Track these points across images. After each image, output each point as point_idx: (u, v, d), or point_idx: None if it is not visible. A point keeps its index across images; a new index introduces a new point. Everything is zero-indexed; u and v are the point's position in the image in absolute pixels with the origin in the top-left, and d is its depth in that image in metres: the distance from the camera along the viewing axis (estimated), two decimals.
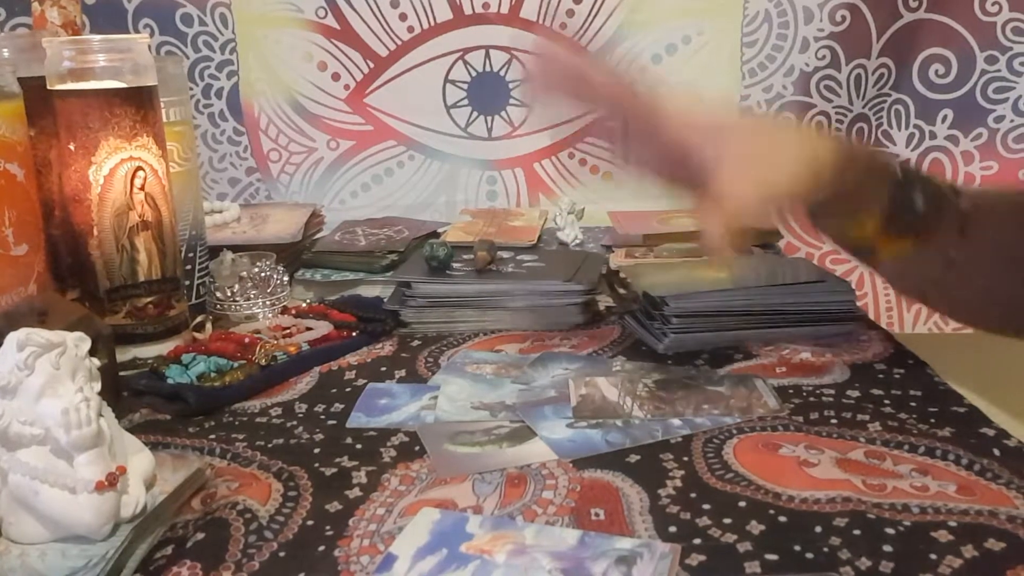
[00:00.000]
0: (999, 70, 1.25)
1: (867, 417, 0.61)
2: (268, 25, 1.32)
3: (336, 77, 1.33)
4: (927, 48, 1.27)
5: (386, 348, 0.79)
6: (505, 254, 0.93)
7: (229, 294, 0.85)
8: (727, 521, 0.49)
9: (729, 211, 0.60)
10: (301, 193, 1.37)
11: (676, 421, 0.61)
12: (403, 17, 1.31)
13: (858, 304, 0.80)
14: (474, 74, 1.33)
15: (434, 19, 1.31)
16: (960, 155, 1.29)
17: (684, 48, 1.29)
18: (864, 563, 0.44)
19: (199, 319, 0.82)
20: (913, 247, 0.66)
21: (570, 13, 1.29)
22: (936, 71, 1.27)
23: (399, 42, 1.32)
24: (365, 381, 0.71)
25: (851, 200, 0.65)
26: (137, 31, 1.29)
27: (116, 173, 0.71)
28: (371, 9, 1.31)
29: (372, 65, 1.33)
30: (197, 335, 0.80)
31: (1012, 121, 1.27)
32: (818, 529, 0.48)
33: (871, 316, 0.81)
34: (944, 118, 1.29)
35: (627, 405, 0.64)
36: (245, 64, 1.34)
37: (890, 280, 0.75)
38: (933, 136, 1.29)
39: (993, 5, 1.24)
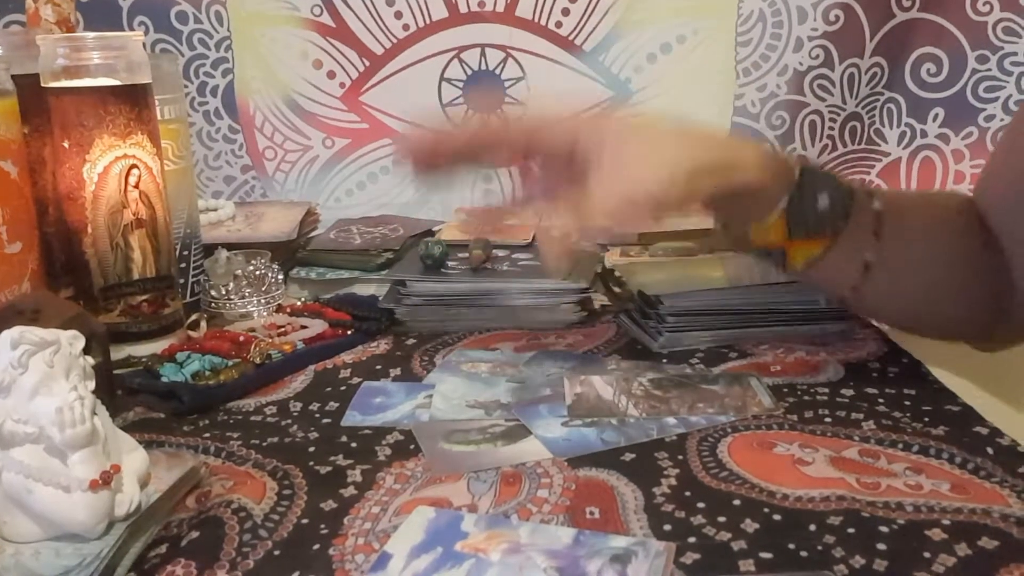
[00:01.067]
0: (990, 69, 1.26)
1: (861, 416, 0.62)
2: (263, 23, 1.32)
3: (332, 75, 1.33)
4: (919, 47, 1.27)
5: (381, 346, 0.79)
6: (500, 252, 0.93)
7: (224, 292, 0.84)
8: (722, 519, 0.49)
9: (588, 208, 0.58)
10: (296, 191, 1.37)
11: (671, 420, 0.61)
12: (399, 15, 1.31)
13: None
14: (469, 72, 1.33)
15: (429, 17, 1.31)
16: (951, 153, 1.30)
17: (679, 47, 1.29)
18: (858, 561, 0.45)
19: (193, 317, 0.82)
20: (823, 250, 0.64)
21: (565, 12, 1.29)
22: (928, 70, 1.28)
23: (394, 40, 1.32)
24: (360, 379, 0.71)
25: (751, 202, 0.63)
26: (132, 29, 1.29)
27: (110, 171, 0.71)
28: (366, 7, 1.31)
29: (368, 63, 1.33)
30: (192, 333, 0.79)
31: (1002, 120, 1.27)
32: (812, 527, 0.48)
33: (870, 322, 0.81)
34: (935, 117, 1.29)
35: (622, 404, 0.64)
36: (240, 62, 1.33)
37: (811, 284, 0.73)
38: (924, 135, 1.30)
39: (984, 5, 1.24)
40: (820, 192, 0.63)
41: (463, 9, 1.30)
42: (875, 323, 0.78)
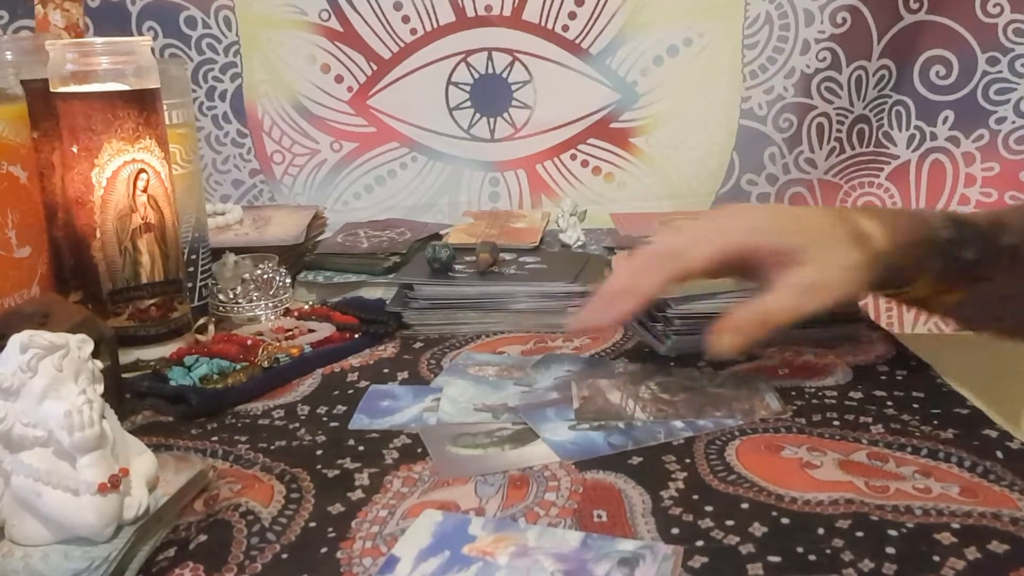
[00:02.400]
0: (1000, 71, 1.25)
1: (870, 419, 0.61)
2: (271, 27, 1.32)
3: (339, 79, 1.34)
4: (928, 49, 1.27)
5: (388, 350, 0.79)
6: (507, 256, 0.93)
7: (232, 296, 0.85)
8: (729, 523, 0.49)
9: (814, 293, 0.59)
10: (304, 195, 1.38)
11: (678, 423, 0.61)
12: (406, 19, 1.31)
13: (860, 306, 0.80)
14: (476, 76, 1.33)
15: (436, 21, 1.31)
16: (961, 156, 1.29)
17: (685, 50, 1.29)
18: (867, 565, 0.44)
19: (201, 321, 0.82)
20: (965, 295, 0.65)
21: (572, 15, 1.29)
22: (937, 72, 1.27)
23: (402, 44, 1.32)
24: (367, 383, 0.71)
25: (904, 272, 0.63)
26: (141, 34, 1.29)
27: (119, 175, 0.71)
28: (374, 11, 1.31)
29: (375, 67, 1.33)
30: (200, 337, 0.80)
31: (1014, 122, 1.26)
32: (821, 531, 0.48)
33: (870, 316, 0.81)
34: (945, 119, 1.29)
35: (629, 407, 0.64)
36: (249, 66, 1.34)
37: (945, 319, 0.73)
38: (934, 137, 1.29)
39: (995, 7, 1.24)
40: (966, 248, 0.63)
41: (470, 13, 1.30)
42: (883, 327, 0.77)
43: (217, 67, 1.34)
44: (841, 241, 0.60)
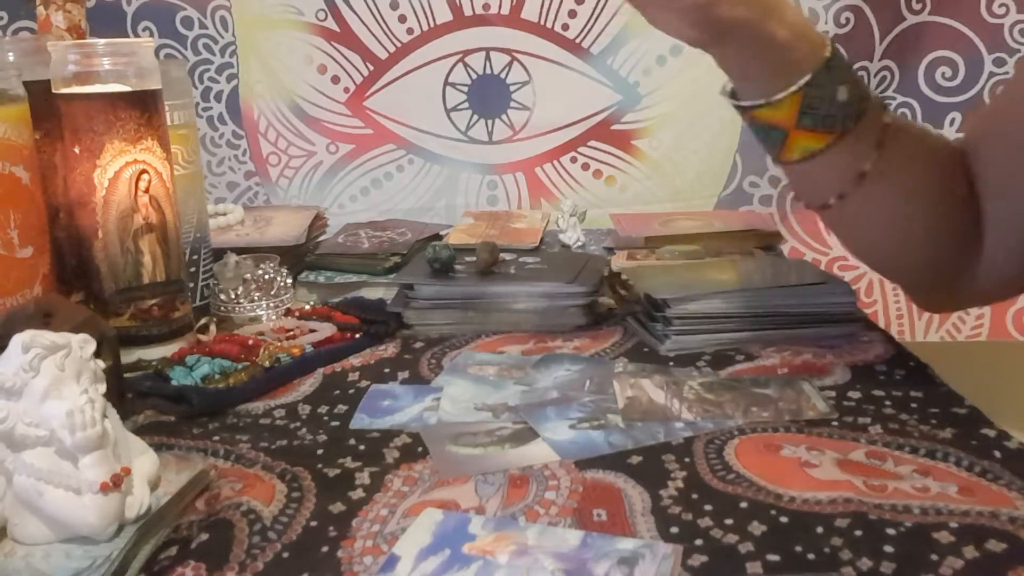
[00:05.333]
0: (1007, 72, 1.25)
1: (868, 419, 0.61)
2: (268, 28, 1.32)
3: (336, 80, 1.33)
4: (933, 50, 1.26)
5: (389, 350, 0.79)
6: (507, 256, 0.93)
7: (233, 296, 0.85)
8: (729, 522, 0.49)
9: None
10: (300, 197, 1.37)
11: (679, 424, 0.61)
12: (402, 19, 1.31)
13: (858, 306, 0.80)
14: (474, 77, 1.32)
15: (434, 21, 1.31)
16: None
17: (689, 49, 1.28)
18: (865, 564, 0.45)
19: (203, 321, 0.82)
20: (825, 146, 0.61)
21: (572, 14, 1.29)
22: (943, 73, 1.27)
23: (399, 44, 1.32)
24: (368, 383, 0.71)
25: (773, 62, 0.60)
26: (137, 34, 1.29)
27: (121, 176, 0.71)
28: (371, 11, 1.30)
29: (372, 68, 1.32)
30: (201, 337, 0.80)
31: None
32: (819, 530, 0.48)
33: (881, 325, 0.81)
34: (952, 121, 1.28)
35: (675, 407, 0.64)
36: (245, 67, 1.33)
37: (794, 185, 0.69)
38: None
39: (1000, 7, 1.24)
40: (842, 84, 0.60)
41: (468, 12, 1.30)
42: (845, 253, 0.73)
43: (213, 68, 1.33)
44: None
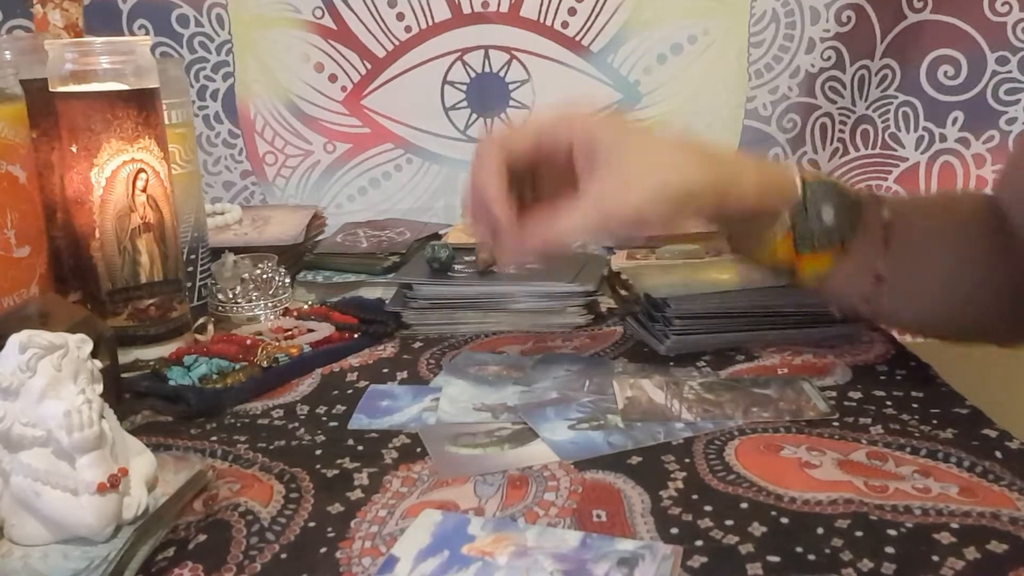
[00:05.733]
0: (1011, 71, 1.24)
1: (869, 419, 0.61)
2: (265, 26, 1.31)
3: (333, 78, 1.33)
4: (935, 49, 1.26)
5: (388, 350, 0.79)
6: None
7: (231, 296, 0.85)
8: (729, 523, 0.49)
9: (570, 218, 0.57)
10: (297, 197, 1.36)
11: (679, 424, 0.61)
12: (400, 17, 1.30)
13: None
14: (473, 75, 1.32)
15: (432, 19, 1.30)
16: (972, 158, 1.28)
17: (690, 48, 1.28)
18: (866, 565, 0.44)
19: (201, 321, 0.82)
20: (832, 264, 0.63)
21: (572, 11, 1.29)
22: (945, 72, 1.26)
23: (396, 42, 1.31)
24: (367, 383, 0.71)
25: (753, 221, 0.62)
26: (132, 32, 1.28)
27: (118, 175, 0.71)
28: (368, 9, 1.30)
29: (369, 66, 1.32)
30: (199, 337, 0.80)
31: None
32: (820, 531, 0.48)
33: (877, 324, 0.81)
34: (954, 120, 1.28)
35: (675, 407, 0.64)
36: (241, 65, 1.32)
37: (823, 300, 0.71)
38: (944, 139, 1.28)
39: (1003, 5, 1.23)
40: (824, 206, 0.62)
41: (466, 9, 1.29)
42: (885, 328, 0.77)
43: (209, 66, 1.32)
44: (670, 160, 0.59)
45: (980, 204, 0.70)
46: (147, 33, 1.28)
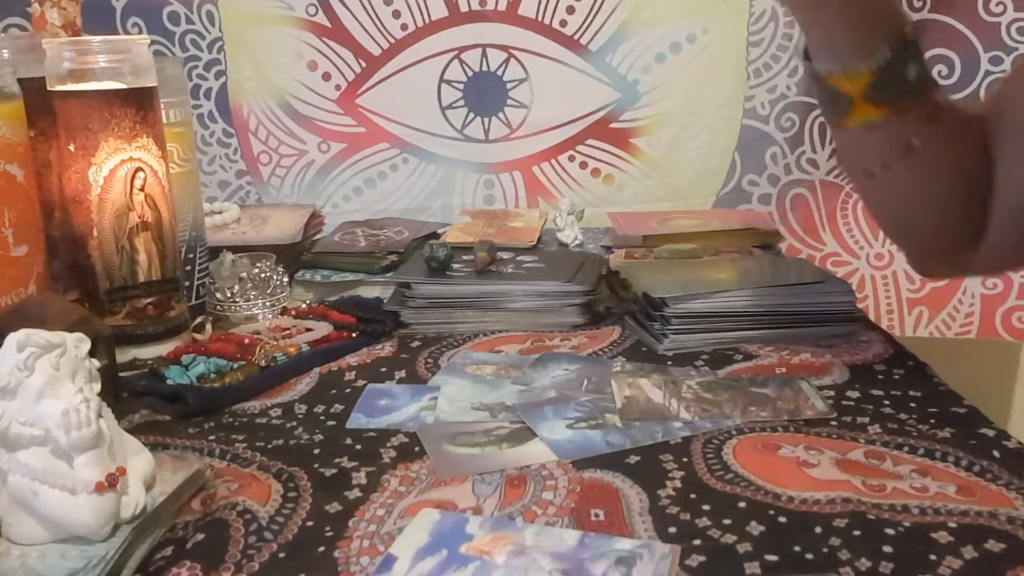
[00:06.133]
0: (1004, 71, 1.25)
1: (867, 418, 0.61)
2: (256, 23, 1.30)
3: (327, 77, 1.32)
4: (931, 49, 1.26)
5: (386, 349, 0.79)
6: (505, 255, 0.93)
7: (229, 295, 0.85)
8: (727, 522, 0.49)
9: None
10: (292, 197, 1.36)
11: (677, 423, 0.61)
12: (396, 14, 1.29)
13: (857, 305, 0.80)
14: (470, 74, 1.32)
15: (429, 16, 1.29)
16: None
17: (689, 47, 1.28)
18: (864, 564, 0.44)
19: (199, 320, 0.82)
20: (883, 118, 0.63)
21: (570, 10, 1.28)
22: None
23: (392, 40, 1.30)
24: (365, 382, 0.71)
25: (857, 35, 0.61)
26: (126, 30, 1.27)
27: (116, 174, 0.71)
28: (363, 6, 1.29)
29: (364, 64, 1.31)
30: (197, 336, 0.80)
31: None
32: (818, 530, 0.48)
33: (871, 319, 0.81)
34: None
35: (673, 407, 0.64)
36: (234, 63, 1.31)
37: (841, 151, 0.71)
38: None
39: (997, 5, 1.23)
40: (913, 61, 0.62)
41: (464, 8, 1.29)
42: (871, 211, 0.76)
43: (201, 64, 1.31)
44: None
45: (975, 117, 0.69)
46: (140, 31, 1.28)
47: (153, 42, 1.27)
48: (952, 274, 0.72)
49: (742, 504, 0.51)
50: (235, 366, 0.71)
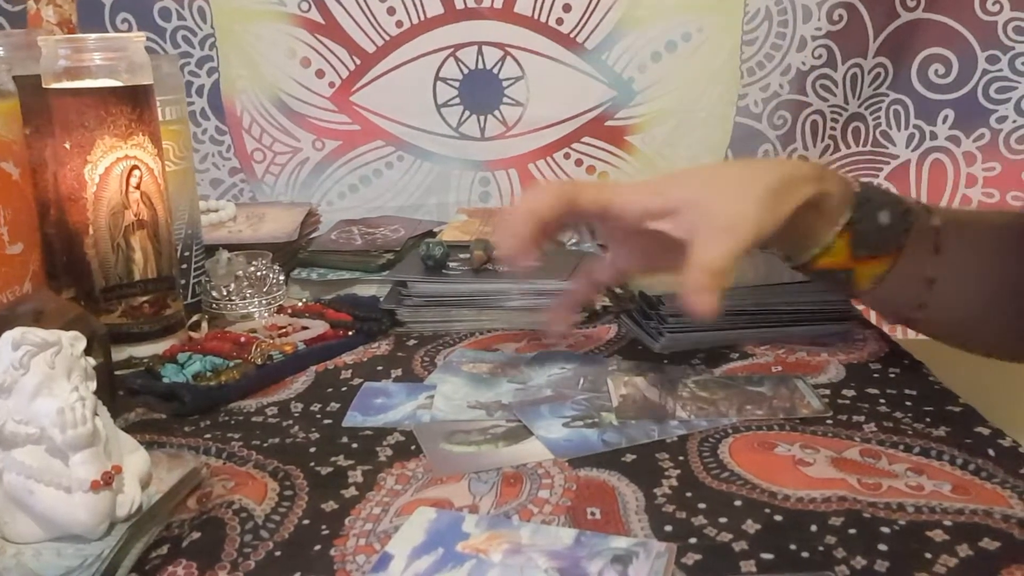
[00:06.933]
0: (1001, 70, 1.25)
1: (862, 417, 0.62)
2: (248, 19, 1.29)
3: (320, 74, 1.31)
4: (927, 48, 1.26)
5: (382, 347, 0.79)
6: None
7: (225, 293, 0.85)
8: (723, 520, 0.49)
9: (736, 235, 0.58)
10: (286, 195, 1.35)
11: (673, 422, 0.61)
12: (391, 11, 1.29)
13: (853, 304, 0.80)
14: (466, 72, 1.31)
15: (424, 13, 1.29)
16: (962, 156, 1.29)
17: (684, 46, 1.28)
18: (859, 562, 0.45)
19: (195, 318, 0.82)
20: (888, 268, 0.65)
21: (567, 8, 1.28)
22: (936, 71, 1.27)
23: (387, 37, 1.30)
24: (361, 380, 0.71)
25: (814, 220, 0.63)
26: (115, 26, 1.26)
27: (112, 172, 0.71)
28: (357, 2, 1.29)
29: (358, 62, 1.31)
30: (193, 334, 0.79)
31: (1015, 122, 1.26)
32: (814, 528, 0.48)
33: (871, 322, 0.81)
34: (945, 119, 1.28)
35: (669, 405, 0.64)
36: (225, 60, 1.30)
37: (876, 309, 0.73)
38: (934, 136, 1.29)
39: (994, 4, 1.23)
40: (881, 209, 0.64)
41: (459, 5, 1.28)
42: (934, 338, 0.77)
43: (193, 61, 1.31)
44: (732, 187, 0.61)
45: (1015, 218, 0.71)
46: (130, 27, 1.27)
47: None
48: None
49: (738, 502, 0.51)
50: (231, 364, 0.71)
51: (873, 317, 0.81)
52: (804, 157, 1.30)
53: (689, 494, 0.52)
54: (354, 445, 0.60)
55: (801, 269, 0.67)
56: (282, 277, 0.88)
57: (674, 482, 0.53)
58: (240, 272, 0.85)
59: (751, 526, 0.48)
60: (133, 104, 0.71)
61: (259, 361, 0.72)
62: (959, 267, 0.66)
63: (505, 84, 1.31)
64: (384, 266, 0.95)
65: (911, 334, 0.74)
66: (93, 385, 0.49)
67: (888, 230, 0.64)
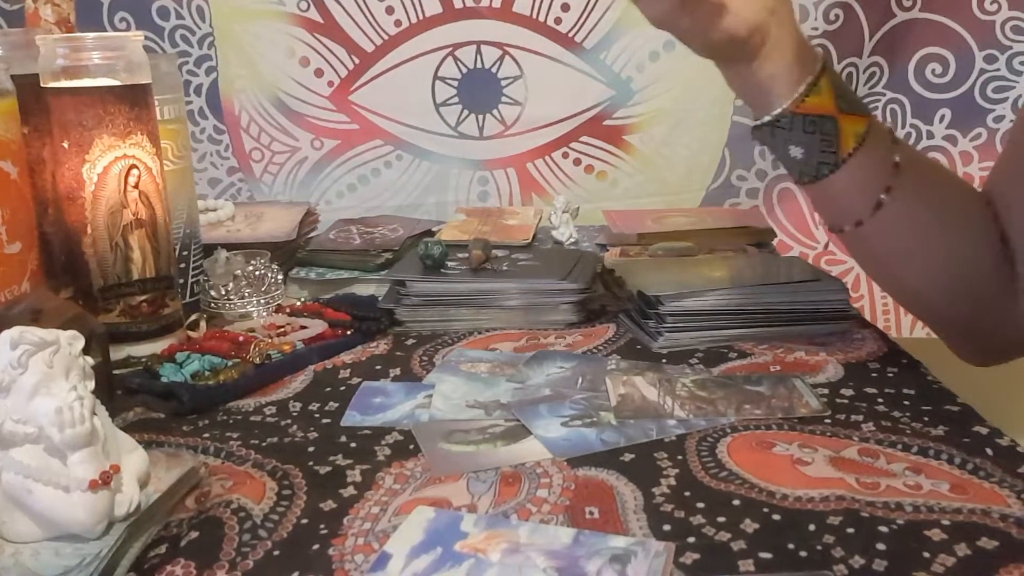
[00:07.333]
0: (998, 69, 1.25)
1: (861, 416, 0.62)
2: (247, 18, 1.29)
3: (319, 73, 1.31)
4: (923, 47, 1.26)
5: (381, 347, 0.79)
6: (500, 253, 0.93)
7: (223, 292, 0.84)
8: (721, 519, 0.49)
9: None
10: (285, 194, 1.35)
11: (672, 421, 0.61)
12: (390, 10, 1.29)
13: (851, 303, 0.81)
14: (464, 71, 1.31)
15: (422, 13, 1.29)
16: (959, 155, 1.29)
17: (682, 46, 1.28)
18: (858, 561, 0.45)
19: (193, 317, 0.82)
20: (865, 127, 0.64)
21: (565, 7, 1.28)
22: (933, 70, 1.27)
23: (386, 37, 1.30)
24: (360, 380, 0.71)
25: (799, 54, 0.65)
26: (113, 25, 1.26)
27: (110, 171, 0.71)
28: (356, 2, 1.28)
29: (357, 61, 1.30)
30: (191, 333, 0.79)
31: (1012, 121, 1.26)
32: (812, 527, 0.48)
33: (867, 319, 0.81)
34: (942, 118, 1.28)
35: (668, 405, 0.64)
36: (224, 59, 1.30)
37: (816, 206, 0.71)
38: (931, 136, 1.29)
39: (992, 4, 1.24)
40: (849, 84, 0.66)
41: (458, 4, 1.28)
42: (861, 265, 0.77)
43: (192, 60, 1.30)
44: None
45: (976, 193, 0.71)
46: (128, 26, 1.27)
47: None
48: (999, 358, 0.72)
49: (736, 502, 0.51)
50: (229, 364, 0.71)
51: (867, 314, 0.81)
52: None
53: (687, 493, 0.52)
54: (352, 444, 0.60)
55: (788, 125, 0.65)
56: (280, 276, 0.88)
57: (672, 481, 0.53)
58: (238, 271, 0.85)
59: (749, 525, 0.48)
60: (131, 103, 0.71)
61: (257, 360, 0.72)
62: (909, 200, 0.65)
63: (504, 83, 1.31)
64: (382, 265, 0.95)
65: (909, 333, 0.75)
66: (91, 384, 0.49)
67: (858, 98, 0.65)
